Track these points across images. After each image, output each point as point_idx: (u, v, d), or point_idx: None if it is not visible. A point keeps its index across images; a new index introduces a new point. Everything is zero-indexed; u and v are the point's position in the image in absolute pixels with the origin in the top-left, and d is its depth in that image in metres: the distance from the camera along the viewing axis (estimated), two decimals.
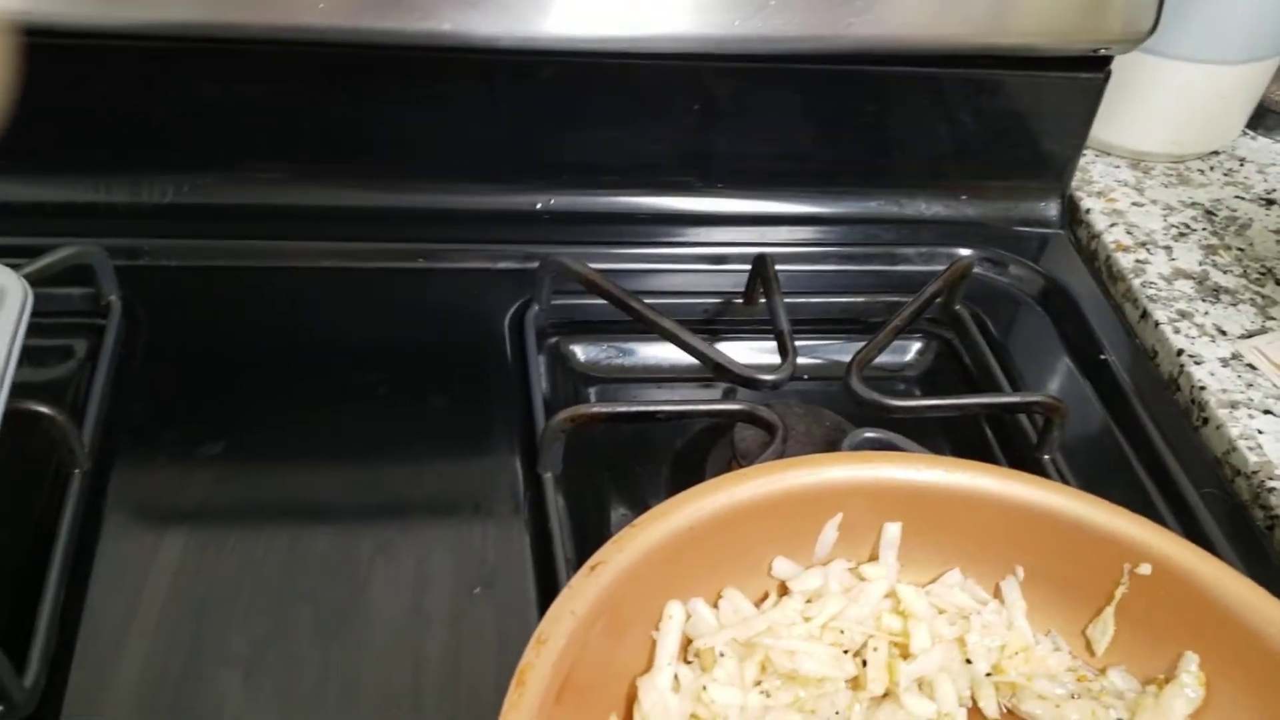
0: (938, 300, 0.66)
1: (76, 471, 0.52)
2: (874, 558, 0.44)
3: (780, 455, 0.54)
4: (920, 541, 0.44)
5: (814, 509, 0.43)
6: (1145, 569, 0.42)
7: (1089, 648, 0.44)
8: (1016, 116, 0.71)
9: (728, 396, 0.65)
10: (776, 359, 0.59)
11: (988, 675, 0.42)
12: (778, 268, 0.69)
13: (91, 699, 0.44)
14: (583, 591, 0.38)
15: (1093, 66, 0.70)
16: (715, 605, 0.43)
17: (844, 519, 0.44)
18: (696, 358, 0.60)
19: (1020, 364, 0.65)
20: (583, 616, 0.37)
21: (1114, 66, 0.71)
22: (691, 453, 0.61)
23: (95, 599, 0.48)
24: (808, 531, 0.44)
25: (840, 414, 0.60)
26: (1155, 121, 0.77)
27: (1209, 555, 0.42)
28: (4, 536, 0.50)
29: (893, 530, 0.44)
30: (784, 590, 0.44)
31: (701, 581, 0.42)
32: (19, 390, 0.49)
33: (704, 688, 0.39)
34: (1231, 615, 0.40)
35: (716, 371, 0.59)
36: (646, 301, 0.64)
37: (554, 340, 0.65)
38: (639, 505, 0.58)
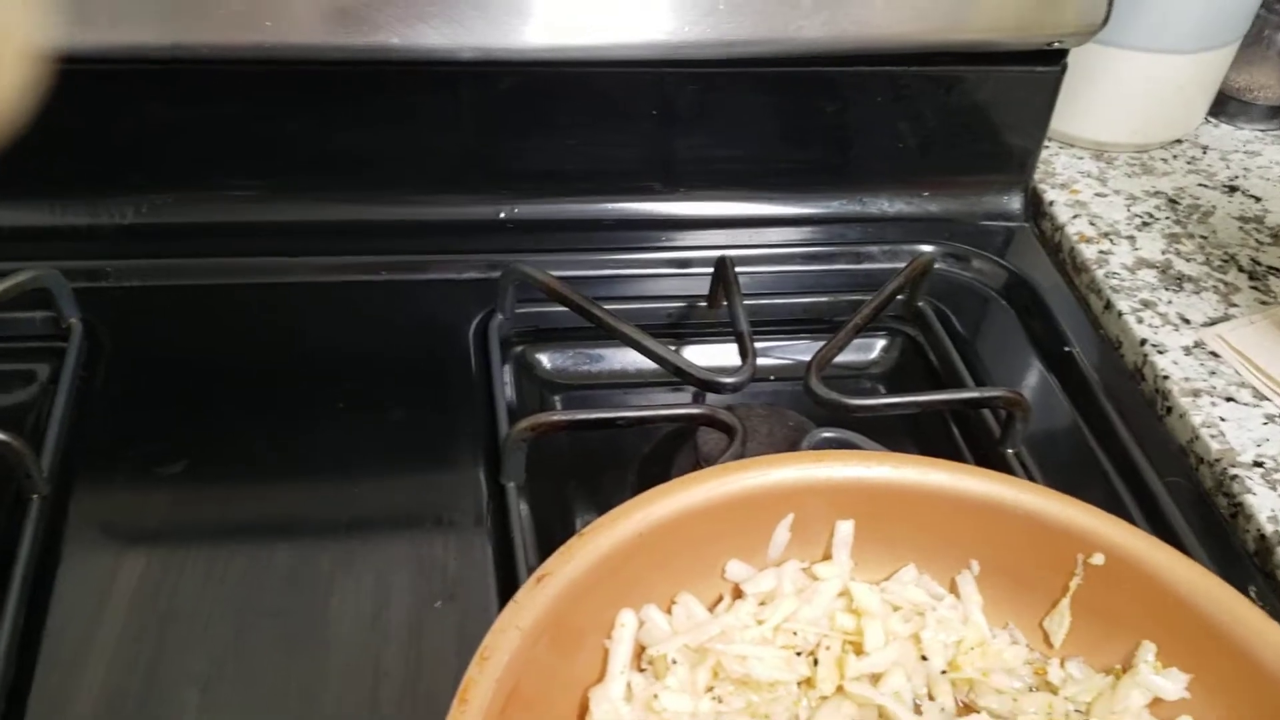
0: (900, 297, 0.66)
1: (35, 497, 0.52)
2: (828, 557, 0.44)
3: (739, 457, 0.53)
4: (874, 539, 0.44)
5: (765, 510, 0.43)
6: (1098, 559, 0.42)
7: (1046, 640, 0.44)
8: (975, 112, 0.71)
9: (696, 400, 0.65)
10: (739, 361, 0.59)
11: (943, 672, 0.42)
12: (742, 269, 0.69)
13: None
14: (529, 604, 0.38)
15: (1049, 60, 0.70)
16: (669, 611, 0.43)
17: (796, 519, 0.44)
18: (657, 362, 0.60)
19: (985, 359, 0.65)
20: (528, 630, 0.37)
21: (1072, 58, 0.71)
22: (658, 457, 0.61)
23: (55, 624, 0.48)
24: (760, 533, 0.44)
25: (806, 414, 0.60)
26: (1116, 112, 0.78)
27: (1160, 543, 0.42)
28: None
29: (845, 529, 0.44)
30: (738, 593, 0.44)
31: (654, 588, 0.42)
32: None
33: (655, 696, 0.39)
34: (1184, 601, 0.40)
35: (677, 375, 0.59)
36: (611, 307, 0.64)
37: (519, 349, 0.65)
38: (605, 511, 0.58)
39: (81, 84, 0.63)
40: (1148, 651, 0.42)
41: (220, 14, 0.56)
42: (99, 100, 0.64)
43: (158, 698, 0.45)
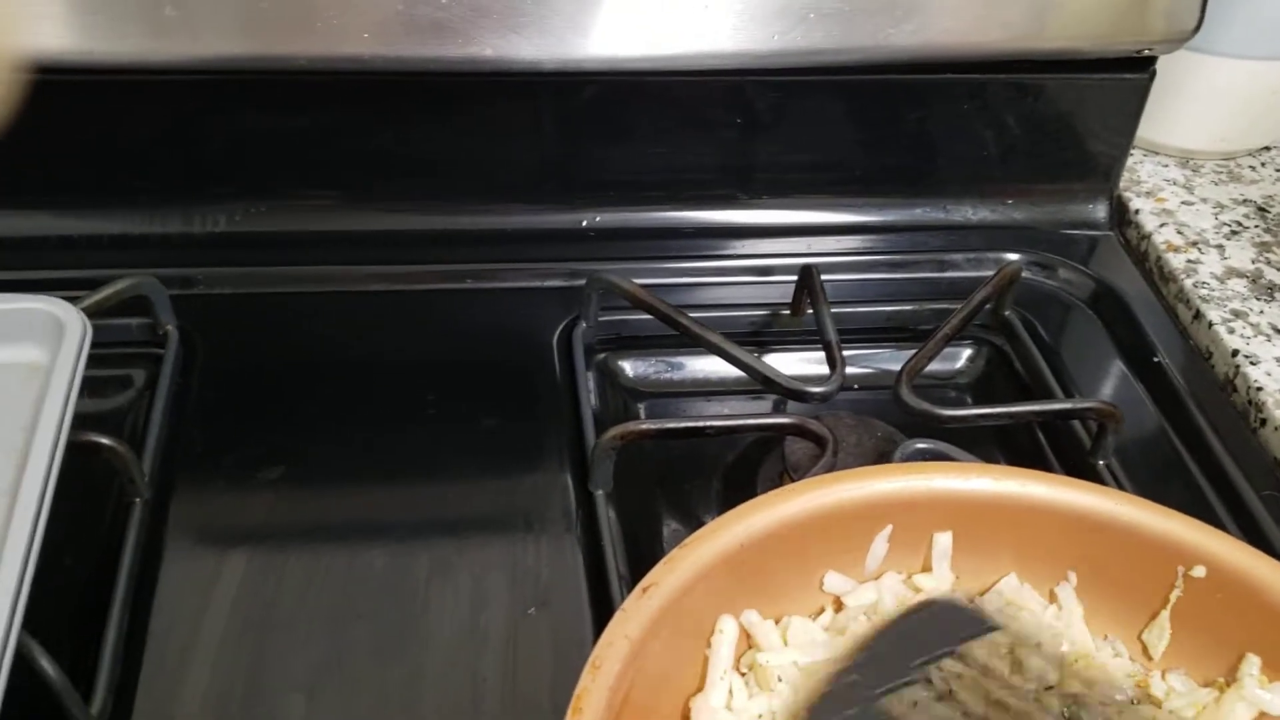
0: (986, 306, 0.66)
1: (138, 500, 0.53)
2: (926, 568, 0.44)
3: (831, 468, 0.54)
4: (973, 550, 0.44)
5: (864, 522, 0.43)
6: (1199, 571, 0.41)
7: (1146, 653, 0.43)
8: (1061, 119, 0.71)
9: (778, 409, 0.65)
10: (825, 370, 0.59)
11: (1049, 688, 0.42)
12: (824, 278, 0.69)
13: None
14: (636, 614, 0.38)
15: (1137, 67, 0.69)
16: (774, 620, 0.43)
17: (894, 531, 0.43)
18: (744, 370, 0.60)
19: (1072, 369, 0.65)
20: (636, 639, 0.37)
21: (1159, 65, 0.70)
22: (743, 466, 0.61)
23: (158, 626, 0.49)
24: (858, 545, 0.44)
25: (892, 424, 0.60)
26: (1203, 119, 0.76)
27: (1264, 555, 0.41)
28: (68, 566, 0.51)
29: (944, 540, 0.43)
30: (839, 605, 0.44)
31: (754, 598, 0.42)
32: (81, 421, 0.50)
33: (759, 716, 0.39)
34: None
35: (764, 384, 0.59)
36: (693, 315, 0.64)
37: (602, 356, 0.66)
38: (691, 520, 0.58)
39: (177, 95, 0.65)
40: (1252, 665, 0.41)
41: (319, 26, 0.57)
42: (194, 111, 0.65)
43: (261, 701, 0.46)
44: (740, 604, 0.42)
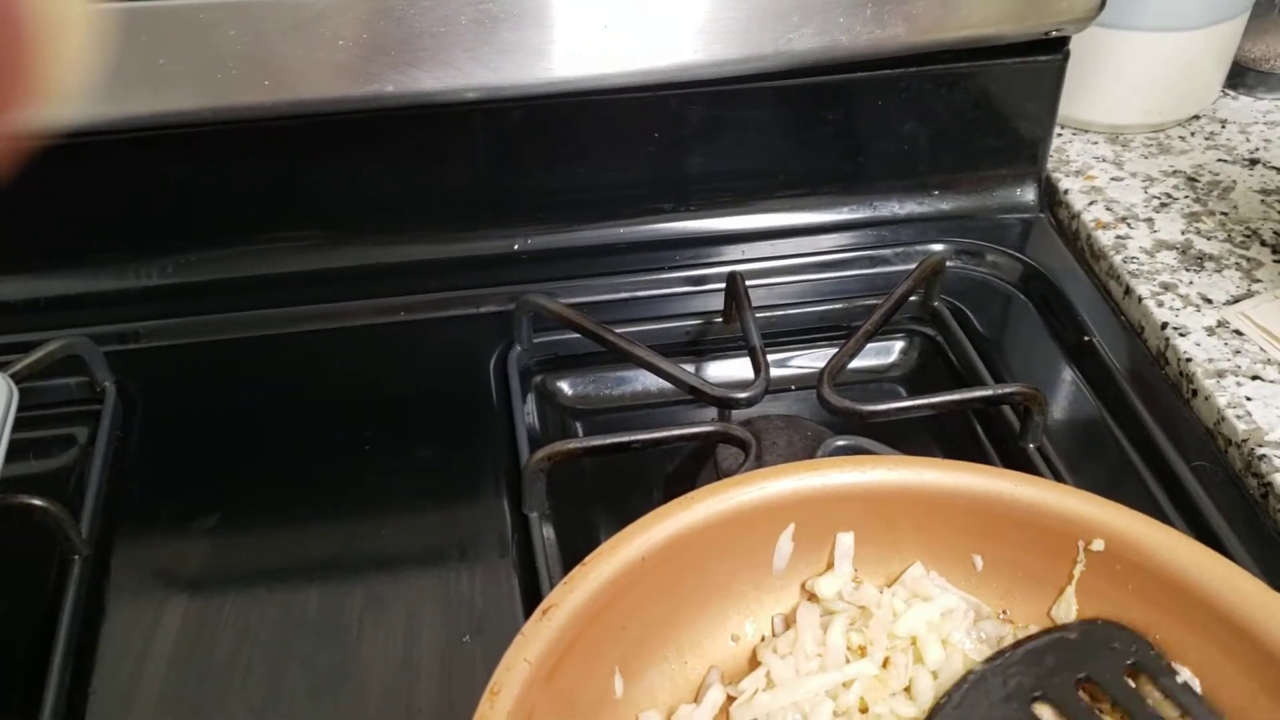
0: (915, 298, 0.66)
1: (76, 558, 0.54)
2: (831, 566, 0.44)
3: None
4: (877, 541, 0.45)
5: (767, 523, 0.44)
6: (1098, 544, 0.42)
7: None
8: (980, 106, 0.71)
9: (722, 416, 0.65)
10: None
11: None
12: (759, 281, 0.70)
13: None
14: (536, 637, 0.39)
15: (1050, 49, 0.69)
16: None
17: (798, 528, 0.44)
18: (671, 382, 0.60)
19: (1007, 354, 0.65)
20: (537, 663, 0.38)
21: (1078, 43, 0.71)
22: (682, 476, 0.62)
23: (100, 681, 0.50)
24: (764, 545, 0.44)
25: (827, 423, 0.61)
26: (1128, 94, 0.77)
27: (1160, 524, 0.41)
28: (9, 626, 0.52)
29: (845, 540, 0.44)
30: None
31: (661, 608, 0.43)
32: (18, 484, 0.52)
33: None
34: (1187, 581, 0.40)
35: (692, 394, 0.60)
36: (630, 329, 0.65)
37: (540, 378, 0.66)
38: None
39: (103, 152, 0.65)
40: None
41: (219, 78, 0.58)
42: (118, 168, 0.66)
43: None
44: (648, 616, 0.43)
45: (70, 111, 0.25)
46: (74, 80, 0.25)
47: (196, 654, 0.50)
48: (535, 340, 0.66)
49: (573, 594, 0.40)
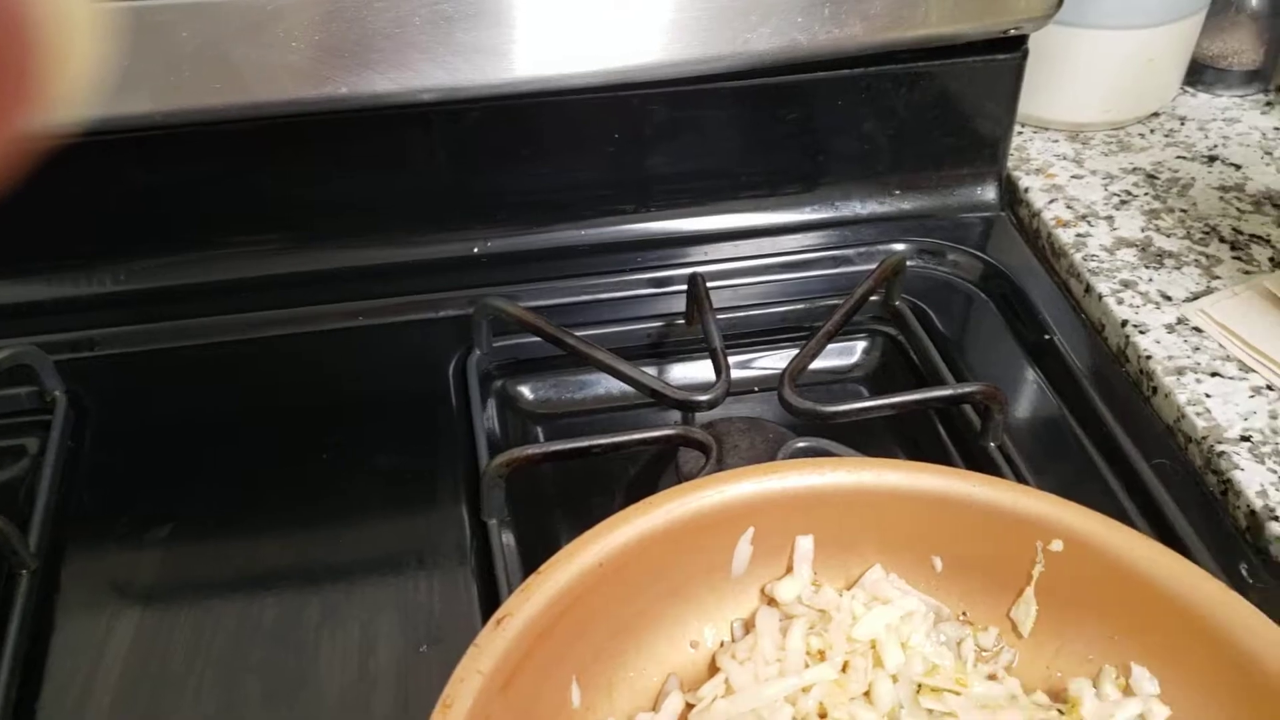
0: (876, 298, 0.66)
1: (24, 571, 0.53)
2: (790, 570, 0.44)
3: None
4: (836, 544, 0.44)
5: (726, 527, 0.43)
6: (1057, 545, 0.42)
7: (1015, 630, 0.43)
8: (940, 105, 0.71)
9: (687, 419, 0.65)
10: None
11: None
12: (722, 283, 0.69)
13: None
14: (489, 648, 0.38)
15: (1008, 47, 0.69)
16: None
17: (757, 532, 0.44)
18: (633, 386, 0.60)
19: (969, 353, 0.65)
20: (491, 674, 0.37)
21: (1037, 41, 0.71)
22: (643, 481, 0.61)
23: (49, 694, 0.49)
24: (723, 550, 0.44)
25: (789, 425, 0.60)
26: (1088, 92, 0.77)
27: (1118, 524, 0.41)
28: None
29: (805, 544, 0.44)
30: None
31: (619, 617, 0.42)
32: None
33: None
34: (1145, 580, 0.40)
35: (653, 396, 0.59)
36: (591, 332, 0.64)
37: (500, 383, 0.66)
38: None
39: (58, 159, 0.64)
40: (1107, 676, 0.42)
41: (172, 80, 0.57)
42: (70, 172, 0.64)
43: None
44: (605, 625, 0.42)
45: (79, 113, 0.25)
46: (82, 83, 0.24)
47: (149, 667, 0.49)
48: (495, 344, 0.65)
49: (528, 603, 0.39)
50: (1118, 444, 0.58)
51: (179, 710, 0.48)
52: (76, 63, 0.24)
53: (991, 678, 0.42)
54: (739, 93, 0.69)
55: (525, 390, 0.66)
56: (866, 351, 0.68)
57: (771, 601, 0.45)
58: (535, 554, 0.55)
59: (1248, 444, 0.56)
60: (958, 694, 0.41)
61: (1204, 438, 0.57)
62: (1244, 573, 0.51)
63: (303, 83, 0.58)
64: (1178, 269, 0.67)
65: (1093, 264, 0.67)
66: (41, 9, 0.23)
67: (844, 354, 0.68)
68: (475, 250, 0.72)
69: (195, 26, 0.57)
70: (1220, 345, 0.61)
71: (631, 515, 0.42)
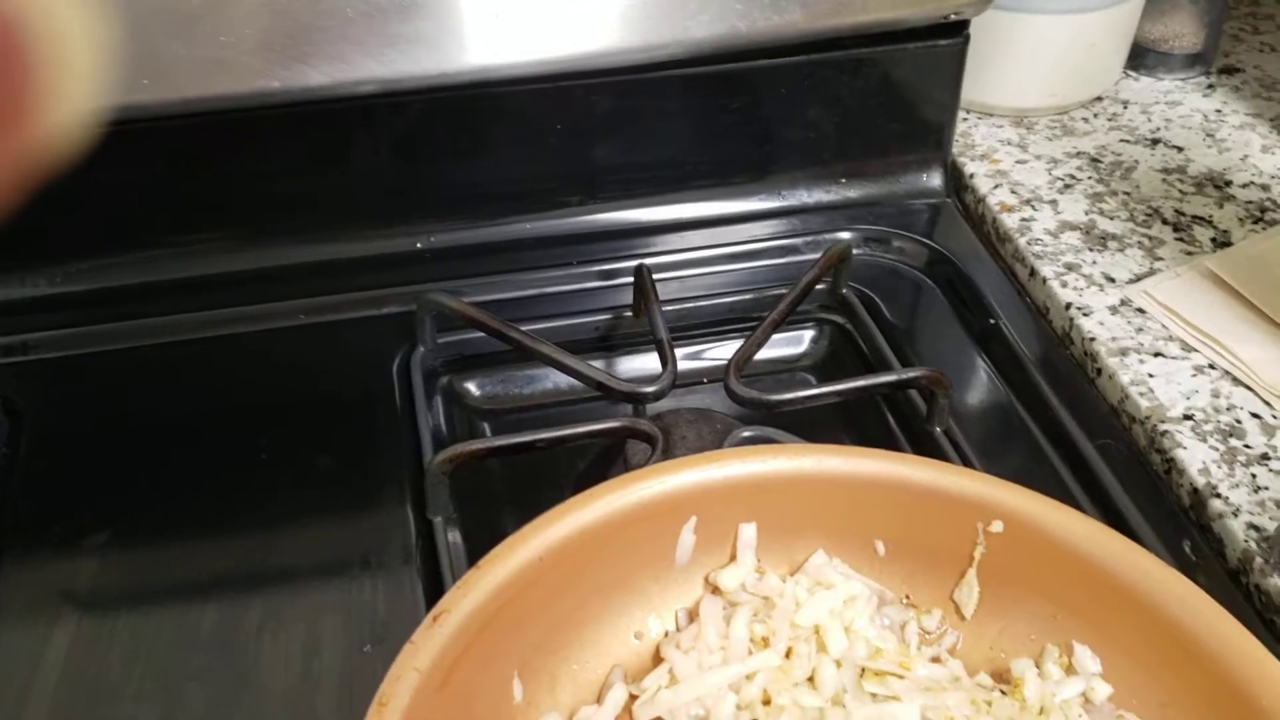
0: (822, 286, 0.66)
1: None
2: (734, 557, 0.44)
3: None
4: (779, 529, 0.44)
5: (668, 516, 0.43)
6: (997, 526, 0.42)
7: (958, 612, 0.43)
8: (883, 92, 0.71)
9: (636, 412, 0.64)
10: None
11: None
12: (669, 275, 0.69)
13: None
14: (426, 645, 0.37)
15: (950, 32, 0.69)
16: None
17: (700, 521, 0.43)
18: (578, 379, 0.59)
19: (917, 339, 0.65)
20: (427, 671, 0.37)
21: (981, 27, 0.71)
22: (592, 475, 0.61)
23: None
24: (666, 539, 0.43)
25: (737, 415, 0.60)
26: (1030, 76, 0.77)
27: (1057, 504, 0.41)
28: None
29: (748, 531, 0.43)
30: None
31: (560, 609, 0.42)
32: None
33: None
34: (1085, 558, 0.40)
35: (600, 389, 0.59)
36: (539, 326, 0.64)
37: (446, 379, 0.65)
38: None
39: None
40: (1050, 656, 0.42)
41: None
42: None
43: None
44: (547, 619, 0.42)
45: (75, 134, 0.24)
46: (81, 103, 0.24)
47: (87, 676, 0.48)
48: (440, 340, 0.64)
49: (466, 598, 0.39)
50: (1063, 426, 0.58)
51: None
52: (75, 84, 0.23)
53: (935, 660, 0.42)
54: (683, 82, 0.69)
55: (471, 386, 0.66)
56: (814, 340, 0.68)
57: (716, 590, 0.44)
58: (482, 551, 0.54)
59: (1190, 423, 0.56)
60: (901, 677, 0.41)
61: (1147, 418, 0.57)
62: (1187, 550, 0.51)
63: (233, 79, 0.57)
64: (1121, 251, 0.67)
65: (1037, 248, 0.68)
66: (40, 31, 0.23)
67: (792, 343, 0.67)
68: (419, 245, 0.71)
69: (123, 22, 0.56)
70: (1163, 325, 0.62)
71: (572, 507, 0.41)
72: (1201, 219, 0.69)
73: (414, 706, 0.36)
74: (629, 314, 0.67)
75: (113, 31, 0.25)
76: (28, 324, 0.65)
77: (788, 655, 0.42)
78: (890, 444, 0.60)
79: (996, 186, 0.73)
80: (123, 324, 0.66)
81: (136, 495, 0.57)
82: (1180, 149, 0.75)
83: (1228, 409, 0.57)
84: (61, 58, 0.23)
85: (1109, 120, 0.79)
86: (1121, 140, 0.77)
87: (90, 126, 0.24)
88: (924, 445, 0.58)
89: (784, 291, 0.64)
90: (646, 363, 0.66)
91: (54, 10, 0.23)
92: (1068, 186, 0.72)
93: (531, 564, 0.40)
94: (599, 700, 0.42)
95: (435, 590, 0.52)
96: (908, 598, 0.44)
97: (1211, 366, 0.59)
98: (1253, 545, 0.50)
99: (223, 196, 0.67)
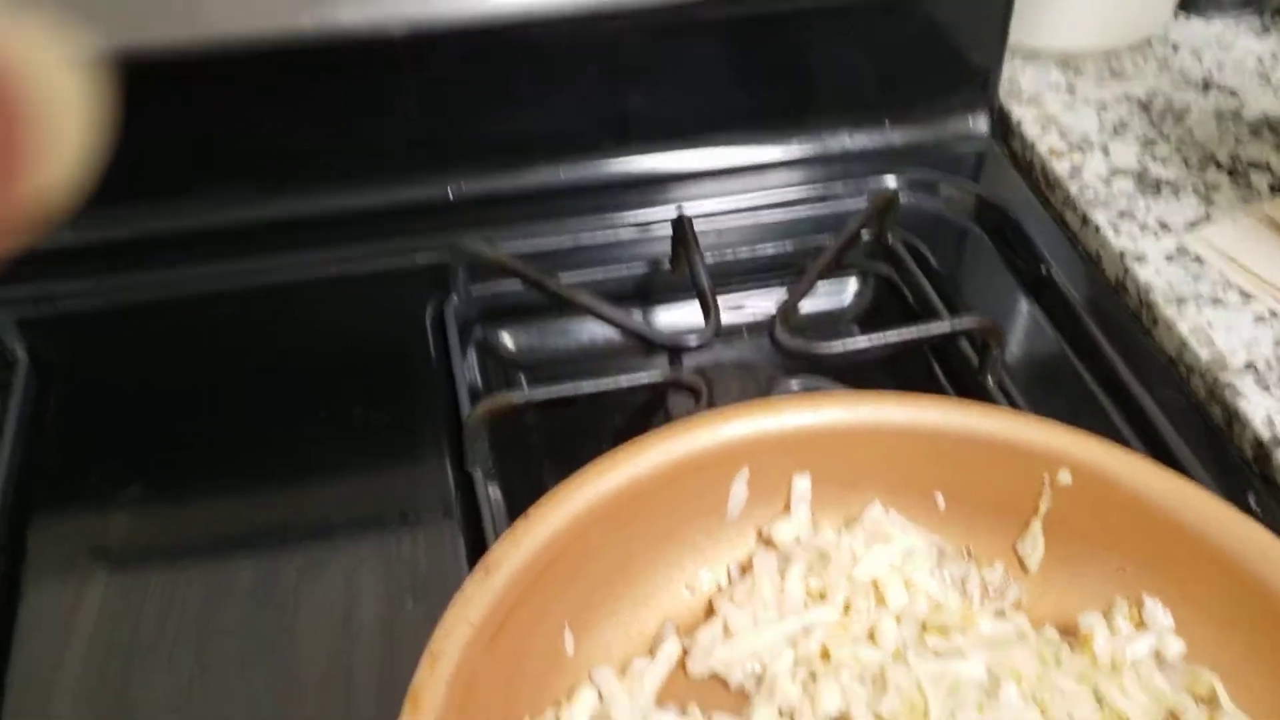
0: (867, 235, 0.64)
1: None
2: (788, 509, 0.42)
3: None
4: (834, 481, 0.42)
5: (720, 468, 0.41)
6: (1065, 477, 0.40)
7: (1022, 565, 0.42)
8: (929, 35, 0.69)
9: (674, 365, 0.63)
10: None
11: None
12: (707, 224, 0.67)
13: None
14: (477, 598, 0.36)
15: None
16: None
17: (753, 472, 0.42)
18: (619, 330, 0.58)
19: (964, 288, 0.63)
20: (479, 625, 0.36)
21: None
22: (634, 428, 0.58)
23: (18, 664, 0.46)
24: (718, 492, 0.42)
25: (781, 368, 0.58)
26: (1079, 18, 0.74)
27: (1130, 453, 0.40)
28: None
29: (802, 484, 0.42)
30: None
31: (610, 560, 0.40)
32: None
33: None
34: (1157, 509, 0.39)
35: (641, 341, 0.57)
36: (574, 277, 0.62)
37: (480, 331, 0.63)
38: None
39: None
40: (1119, 610, 0.40)
41: (128, 15, 0.54)
42: None
43: None
44: (596, 570, 0.40)
45: (70, 189, 0.25)
46: (72, 160, 0.25)
47: (121, 633, 0.47)
48: (474, 291, 0.63)
49: (516, 549, 0.37)
50: (1119, 376, 0.56)
51: (153, 676, 0.46)
52: (68, 139, 0.24)
53: (999, 615, 0.41)
54: (721, 23, 0.66)
55: (506, 338, 0.64)
56: (858, 291, 0.66)
57: (769, 543, 0.43)
58: (522, 506, 0.53)
59: (1252, 373, 0.54)
60: (964, 632, 0.39)
61: (1207, 368, 0.55)
62: (1251, 503, 0.50)
63: (263, 16, 0.55)
64: (1175, 198, 0.65)
65: (1089, 194, 0.65)
66: (33, 86, 0.23)
67: (835, 294, 0.65)
68: (450, 194, 0.69)
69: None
70: (1221, 273, 0.59)
71: (621, 458, 0.40)
72: (1258, 164, 0.67)
73: (465, 661, 0.35)
74: (666, 265, 0.65)
75: (104, 91, 0.25)
76: (52, 275, 0.64)
77: (846, 610, 0.40)
78: (938, 395, 0.58)
79: (1045, 131, 0.70)
80: (149, 275, 0.64)
81: (168, 449, 0.56)
82: (1234, 92, 0.73)
83: None
84: (53, 116, 0.24)
85: (1159, 63, 0.76)
86: (1172, 84, 0.74)
87: (79, 185, 0.25)
88: (975, 397, 0.56)
89: (826, 241, 0.63)
90: (684, 315, 0.64)
91: (45, 69, 0.23)
92: (1118, 131, 0.70)
93: (581, 516, 0.39)
94: (651, 653, 0.41)
95: (476, 544, 0.50)
96: (969, 551, 0.43)
97: (1273, 314, 0.57)
98: None
99: (250, 143, 0.66)
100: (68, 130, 0.24)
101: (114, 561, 0.50)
